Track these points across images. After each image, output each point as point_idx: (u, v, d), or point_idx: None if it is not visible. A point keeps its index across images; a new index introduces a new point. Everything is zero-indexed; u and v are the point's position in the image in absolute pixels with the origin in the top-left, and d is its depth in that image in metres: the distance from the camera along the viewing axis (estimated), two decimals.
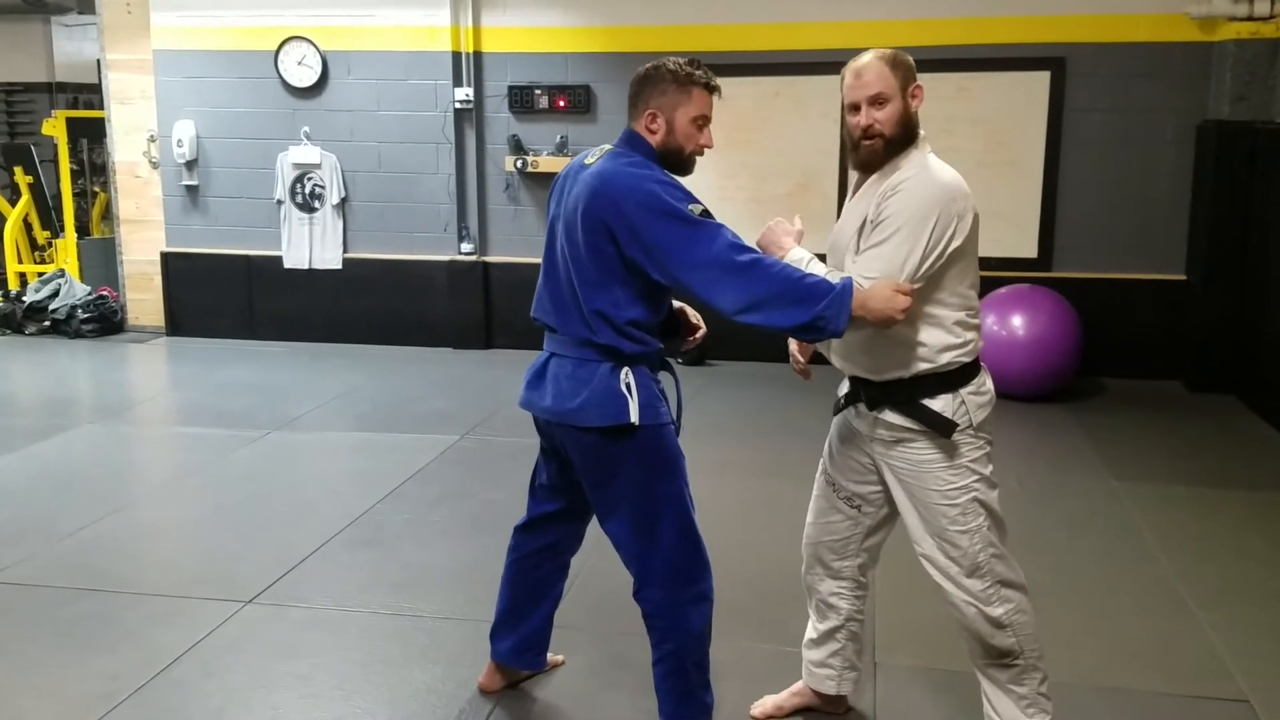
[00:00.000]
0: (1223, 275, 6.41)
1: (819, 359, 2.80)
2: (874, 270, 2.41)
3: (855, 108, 2.49)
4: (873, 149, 2.49)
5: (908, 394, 2.51)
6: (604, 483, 2.67)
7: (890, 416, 2.54)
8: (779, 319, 2.41)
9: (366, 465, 5.25)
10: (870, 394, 2.57)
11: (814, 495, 2.87)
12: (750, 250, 2.45)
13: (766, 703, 3.01)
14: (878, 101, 2.46)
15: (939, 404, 2.50)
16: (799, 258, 2.55)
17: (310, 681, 3.18)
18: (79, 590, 3.79)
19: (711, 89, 2.64)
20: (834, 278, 2.44)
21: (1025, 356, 6.09)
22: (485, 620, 3.17)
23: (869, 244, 2.46)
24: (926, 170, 2.47)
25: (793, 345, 2.81)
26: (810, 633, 2.95)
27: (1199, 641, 3.43)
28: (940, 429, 2.49)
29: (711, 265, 2.42)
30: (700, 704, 2.74)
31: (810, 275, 2.43)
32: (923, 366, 2.50)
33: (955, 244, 2.43)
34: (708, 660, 2.75)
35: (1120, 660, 3.32)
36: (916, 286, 2.41)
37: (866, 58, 2.51)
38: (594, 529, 2.98)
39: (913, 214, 2.40)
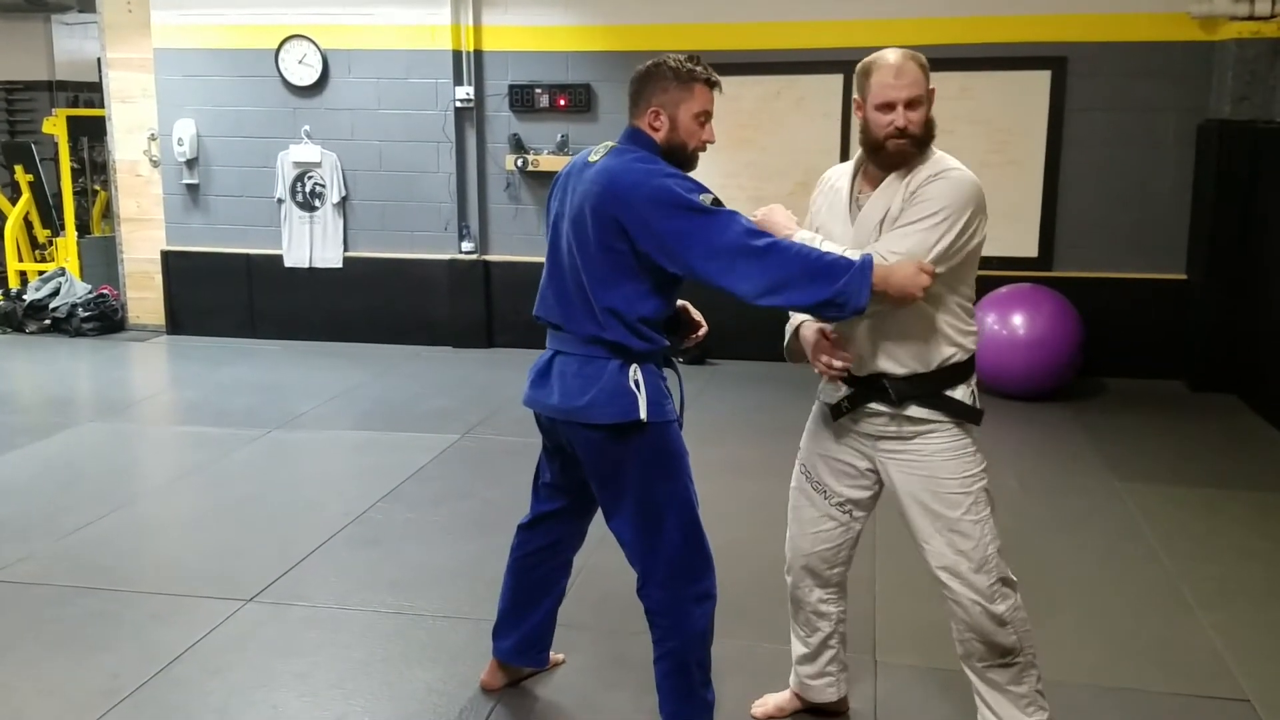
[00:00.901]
0: (1224, 275, 6.41)
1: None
2: (902, 246, 2.40)
3: (890, 107, 2.45)
4: (903, 148, 2.47)
5: (931, 386, 2.52)
6: (610, 480, 2.67)
7: (916, 410, 2.54)
8: (800, 298, 2.40)
9: (367, 464, 5.25)
10: (897, 389, 2.54)
11: (794, 507, 2.83)
12: (766, 234, 2.45)
13: (768, 702, 3.01)
14: (914, 104, 2.45)
15: (959, 394, 2.53)
16: (807, 237, 2.54)
17: (311, 680, 3.18)
18: (80, 588, 3.79)
19: (712, 84, 2.65)
20: (853, 255, 2.43)
21: (1026, 356, 6.09)
22: (486, 619, 3.17)
23: (900, 223, 2.45)
24: (958, 165, 2.50)
25: (817, 343, 2.62)
26: (800, 648, 2.92)
27: (1200, 641, 3.43)
28: (971, 417, 2.53)
29: (728, 253, 2.42)
30: (701, 702, 2.74)
31: (829, 253, 2.42)
32: (945, 355, 2.52)
33: (978, 239, 2.48)
34: (709, 659, 2.75)
35: (1122, 659, 3.32)
36: (939, 271, 2.41)
37: (898, 58, 2.47)
38: (595, 527, 2.99)
39: (955, 201, 2.42)
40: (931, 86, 2.50)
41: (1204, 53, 6.51)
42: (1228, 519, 4.49)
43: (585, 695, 3.12)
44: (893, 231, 2.45)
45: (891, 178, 2.52)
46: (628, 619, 3.26)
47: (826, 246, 2.49)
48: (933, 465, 2.54)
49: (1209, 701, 3.08)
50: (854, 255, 2.41)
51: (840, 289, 2.36)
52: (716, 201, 2.49)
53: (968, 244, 2.45)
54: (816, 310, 2.45)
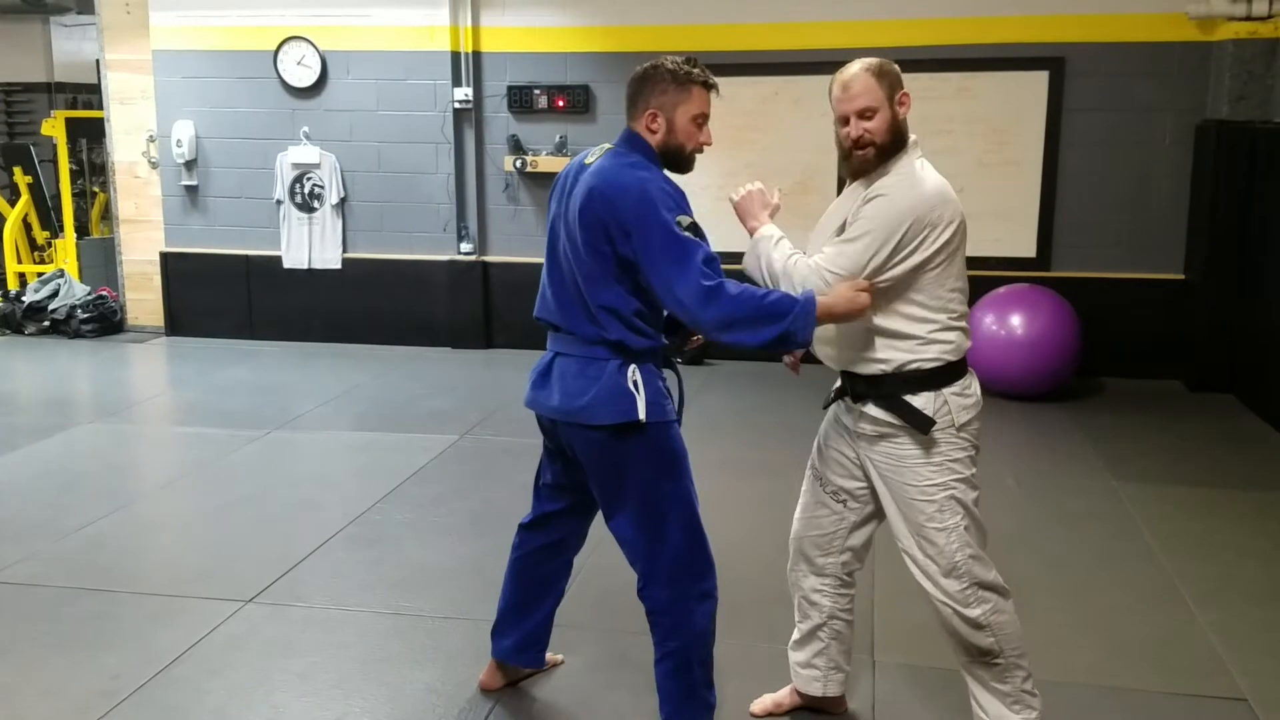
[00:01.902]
0: (1222, 275, 6.42)
1: (810, 356, 2.82)
2: (838, 265, 2.49)
3: (844, 120, 2.55)
4: (864, 158, 2.55)
5: (891, 389, 2.55)
6: (611, 480, 2.67)
7: (873, 410, 2.58)
8: (748, 338, 2.48)
9: (366, 464, 5.26)
10: (856, 388, 2.62)
11: (802, 491, 2.90)
12: (718, 275, 2.48)
13: (766, 700, 3.02)
14: (866, 114, 2.51)
15: (920, 400, 2.54)
16: (769, 234, 2.63)
17: (310, 680, 3.19)
18: (80, 589, 3.79)
19: (710, 87, 2.66)
20: (796, 276, 2.51)
21: (1024, 356, 6.10)
22: (485, 619, 3.17)
23: (841, 238, 2.53)
24: (911, 178, 2.52)
25: None
26: (795, 634, 2.96)
27: (1197, 640, 3.44)
28: (919, 425, 2.53)
29: (681, 286, 2.46)
30: (703, 703, 2.74)
31: (772, 292, 2.50)
32: (903, 361, 2.54)
33: (927, 252, 2.48)
34: (712, 658, 2.75)
35: (1119, 659, 3.32)
36: (881, 283, 2.47)
37: (853, 70, 2.55)
38: (594, 527, 2.99)
39: (886, 220, 2.47)
40: (904, 91, 2.55)
41: (1201, 53, 6.52)
42: (1225, 518, 4.50)
43: (585, 695, 3.12)
44: (832, 245, 2.53)
45: (855, 185, 2.59)
46: (627, 619, 3.27)
47: (781, 246, 2.59)
48: (899, 469, 2.58)
49: (1206, 700, 3.09)
50: (796, 293, 2.48)
51: (786, 329, 2.45)
52: (693, 226, 2.52)
53: (909, 257, 2.47)
54: (767, 349, 2.52)
